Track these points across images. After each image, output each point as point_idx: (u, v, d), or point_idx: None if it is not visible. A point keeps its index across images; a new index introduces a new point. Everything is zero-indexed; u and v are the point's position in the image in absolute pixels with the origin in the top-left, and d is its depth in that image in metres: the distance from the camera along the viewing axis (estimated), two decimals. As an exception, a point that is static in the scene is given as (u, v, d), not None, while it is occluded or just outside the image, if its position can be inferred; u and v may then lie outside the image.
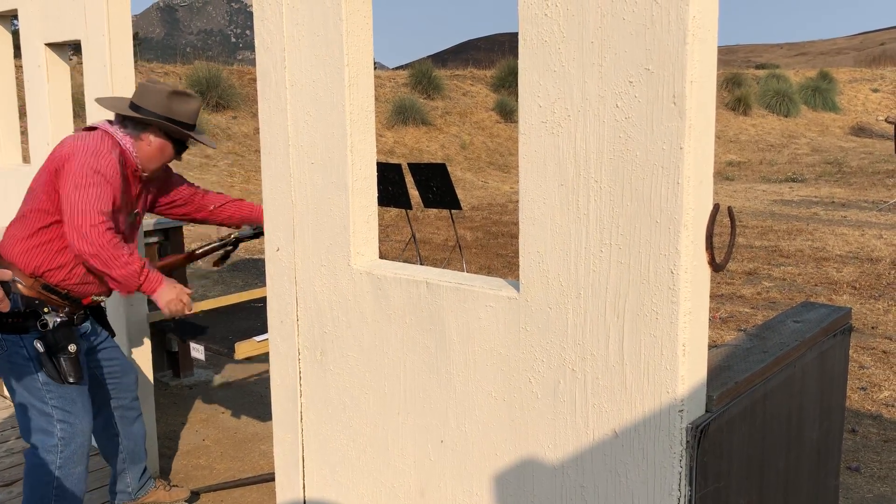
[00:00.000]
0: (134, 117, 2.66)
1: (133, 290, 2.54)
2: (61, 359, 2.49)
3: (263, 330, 2.82)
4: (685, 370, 1.58)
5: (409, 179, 6.95)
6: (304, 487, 2.44)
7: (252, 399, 4.41)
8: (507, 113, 17.40)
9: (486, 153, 15.67)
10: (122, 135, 2.67)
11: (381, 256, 8.16)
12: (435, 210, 11.55)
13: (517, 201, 12.59)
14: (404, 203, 6.55)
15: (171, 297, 2.60)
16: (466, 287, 1.91)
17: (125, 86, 2.98)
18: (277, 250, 2.39)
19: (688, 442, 1.59)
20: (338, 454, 2.31)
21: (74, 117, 3.78)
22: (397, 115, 15.62)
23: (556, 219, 1.72)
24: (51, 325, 2.51)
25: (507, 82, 18.41)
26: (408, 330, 2.05)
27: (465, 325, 1.93)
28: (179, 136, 2.74)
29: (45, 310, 2.52)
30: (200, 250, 2.89)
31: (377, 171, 6.89)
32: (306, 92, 2.20)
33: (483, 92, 18.26)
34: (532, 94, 1.72)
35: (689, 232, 1.55)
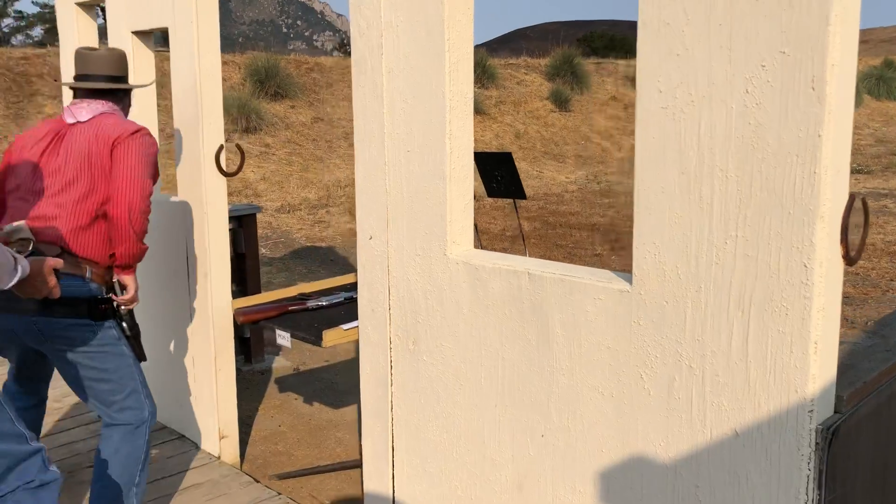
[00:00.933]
0: (121, 87, 2.64)
1: (128, 267, 2.53)
2: (138, 337, 2.59)
3: (348, 318, 2.81)
4: (816, 369, 1.51)
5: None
6: (392, 477, 2.43)
7: (322, 386, 4.43)
8: (562, 102, 17.20)
9: (540, 143, 15.52)
10: (116, 107, 2.64)
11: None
12: (491, 199, 11.48)
13: (573, 191, 12.46)
14: (517, 193, 6.48)
15: (135, 285, 2.58)
16: (572, 278, 1.86)
17: (212, 73, 2.98)
18: (370, 239, 2.37)
19: (817, 444, 1.52)
20: (429, 445, 2.29)
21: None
22: (452, 104, 15.54)
23: (676, 209, 1.65)
24: (125, 310, 2.56)
25: (562, 71, 18.18)
26: (507, 321, 2.01)
27: (570, 317, 1.88)
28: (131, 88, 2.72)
29: (115, 295, 2.54)
30: (319, 304, 2.87)
31: (486, 161, 6.84)
32: (404, 78, 2.17)
33: (537, 81, 18.07)
34: (652, 79, 1.66)
35: (825, 224, 1.47)
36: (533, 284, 1.94)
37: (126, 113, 2.72)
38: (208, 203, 3.04)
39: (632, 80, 19.48)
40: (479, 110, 15.73)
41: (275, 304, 2.91)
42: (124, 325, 2.54)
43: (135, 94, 3.33)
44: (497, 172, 6.06)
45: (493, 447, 2.11)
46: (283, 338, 2.72)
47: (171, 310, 3.33)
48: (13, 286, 1.65)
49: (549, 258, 7.67)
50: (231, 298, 3.15)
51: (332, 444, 3.60)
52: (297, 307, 2.90)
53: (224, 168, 3.05)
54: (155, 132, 3.61)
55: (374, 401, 2.44)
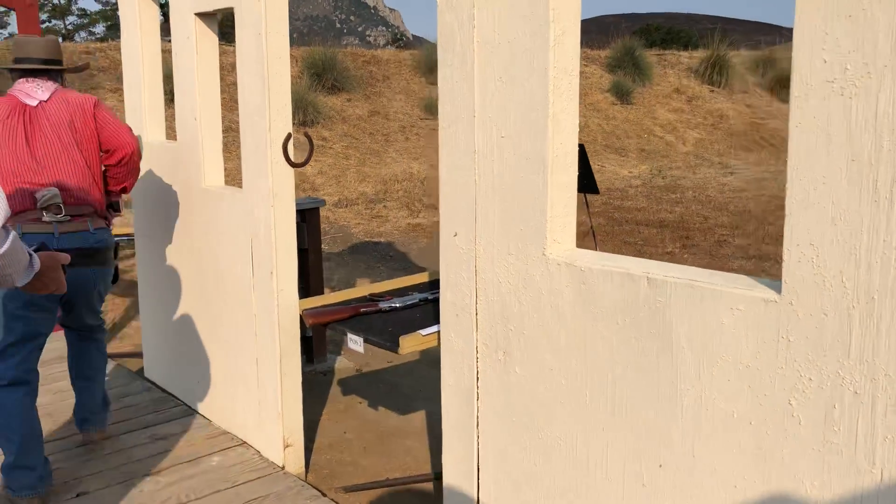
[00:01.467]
0: (55, 69, 2.97)
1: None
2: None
3: (425, 322, 2.57)
4: None
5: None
6: (477, 501, 2.18)
7: (387, 388, 4.21)
8: (624, 94, 16.72)
9: (601, 136, 15.10)
10: (58, 85, 2.99)
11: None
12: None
13: (637, 186, 12.04)
14: (589, 187, 6.21)
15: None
16: (703, 285, 1.59)
17: (280, 56, 2.78)
18: (455, 236, 2.12)
19: None
20: (522, 468, 2.03)
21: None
22: (510, 96, 15.23)
23: (842, 203, 1.37)
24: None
25: (623, 63, 17.69)
26: (620, 332, 1.75)
27: (699, 329, 1.60)
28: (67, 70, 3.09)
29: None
30: (392, 305, 2.66)
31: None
32: (499, 53, 1.92)
33: (597, 73, 17.61)
34: (814, 47, 1.37)
35: None
36: (653, 290, 1.67)
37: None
38: (275, 195, 2.83)
39: (695, 72, 18.90)
40: (537, 103, 15.36)
41: (345, 306, 2.69)
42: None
43: (198, 83, 3.15)
44: (567, 165, 5.75)
45: (598, 477, 1.85)
46: (354, 342, 2.50)
47: (232, 309, 3.15)
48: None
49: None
50: (298, 298, 2.95)
51: (400, 453, 3.38)
52: (369, 309, 2.68)
53: (292, 158, 2.84)
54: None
55: (458, 415, 2.20)
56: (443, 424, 2.26)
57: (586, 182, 5.72)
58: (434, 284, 3.02)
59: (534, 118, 1.86)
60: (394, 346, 2.36)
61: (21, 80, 2.94)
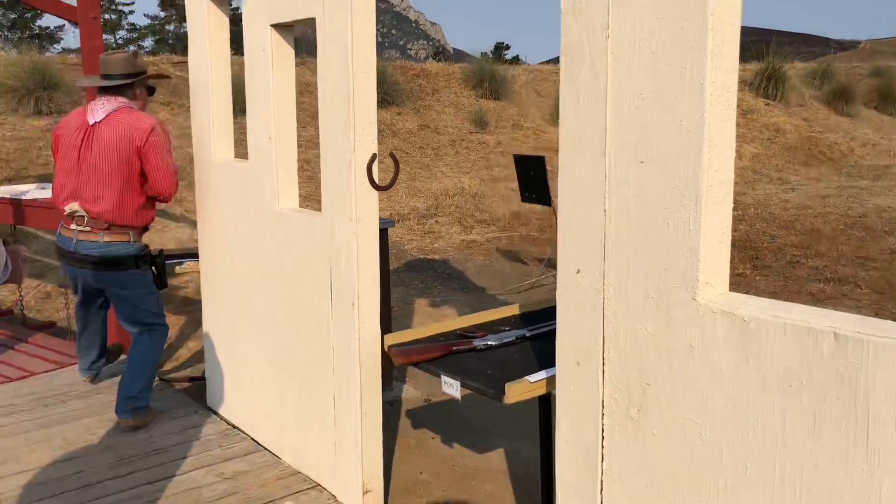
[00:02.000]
0: (124, 83, 3.34)
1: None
2: (164, 275, 3.58)
3: (526, 364, 2.32)
4: None
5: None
6: (599, 576, 1.91)
7: (459, 422, 3.96)
8: (676, 108, 16.31)
9: (655, 150, 14.72)
10: (128, 102, 3.36)
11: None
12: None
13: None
14: (543, 200, 5.95)
15: None
16: (914, 345, 1.31)
17: (366, 71, 2.56)
18: (577, 273, 1.87)
19: None
20: (658, 544, 1.76)
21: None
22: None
23: None
24: (160, 260, 3.52)
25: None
26: (794, 398, 1.47)
27: (907, 399, 1.32)
28: (149, 82, 3.53)
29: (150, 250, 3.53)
30: (487, 343, 2.42)
31: (524, 165, 6.29)
32: (640, 67, 1.66)
33: (649, 86, 17.24)
34: None
35: None
36: (843, 349, 1.39)
37: (141, 104, 3.45)
38: (358, 220, 2.61)
39: (749, 84, 18.40)
40: (588, 116, 15.06)
41: (435, 343, 2.45)
42: (155, 269, 3.50)
43: (274, 98, 2.95)
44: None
45: (763, 563, 1.57)
46: (450, 386, 2.25)
47: (307, 340, 2.93)
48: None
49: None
50: (380, 332, 2.71)
51: (482, 498, 3.12)
52: (462, 347, 2.43)
53: (377, 180, 2.62)
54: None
55: (577, 478, 1.93)
56: (557, 487, 2.00)
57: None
58: (527, 319, 2.77)
59: (684, 141, 1.60)
60: (498, 394, 2.10)
61: (98, 95, 3.40)
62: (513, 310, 2.87)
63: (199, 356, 5.22)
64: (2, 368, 4.32)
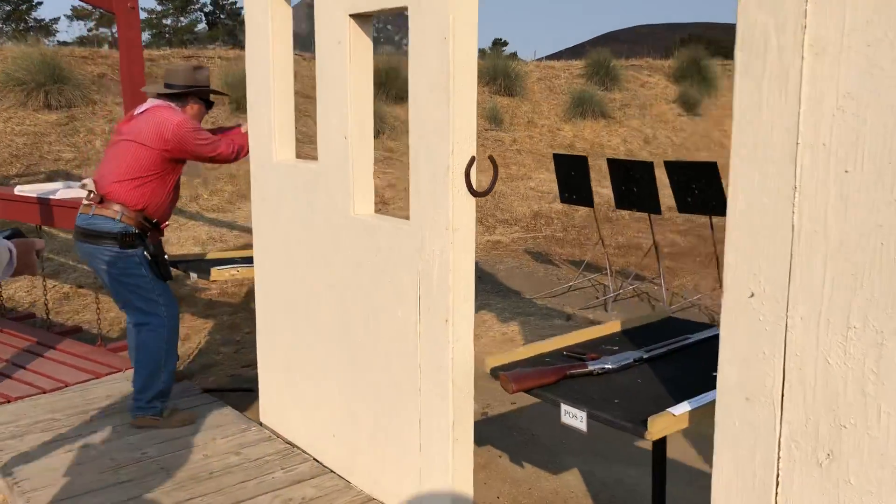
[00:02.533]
0: (177, 93, 3.51)
1: (244, 146, 3.50)
2: (161, 264, 3.43)
3: (650, 390, 2.09)
4: None
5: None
6: None
7: (523, 438, 3.74)
8: (690, 105, 16.12)
9: (671, 148, 14.52)
10: (175, 108, 3.47)
11: (577, 262, 7.37)
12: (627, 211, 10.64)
13: (718, 202, 11.42)
14: (651, 207, 5.73)
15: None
16: None
17: (468, 65, 2.33)
18: (751, 296, 1.64)
19: None
20: None
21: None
22: (575, 107, 14.74)
23: None
24: (150, 244, 3.40)
25: (689, 73, 17.08)
26: None
27: None
28: (206, 96, 3.62)
29: (147, 234, 3.42)
30: (604, 367, 2.18)
31: (620, 170, 6.10)
32: (849, 62, 1.44)
33: (662, 83, 17.04)
34: None
35: None
36: None
37: (194, 115, 3.58)
38: (455, 229, 2.38)
39: (762, 83, 18.12)
40: (604, 114, 14.88)
41: (549, 367, 2.21)
42: (151, 252, 3.39)
43: (351, 95, 2.71)
44: (694, 185, 5.26)
45: None
46: (573, 417, 2.03)
47: (387, 357, 2.70)
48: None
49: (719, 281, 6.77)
50: (473, 350, 2.49)
51: (571, 527, 2.90)
52: (578, 371, 2.20)
53: (475, 186, 2.39)
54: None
55: (744, 527, 1.71)
56: (716, 534, 1.78)
57: (716, 203, 5.22)
58: (634, 337, 2.55)
59: (910, 149, 1.38)
60: (638, 429, 1.88)
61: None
62: (613, 326, 2.64)
63: (232, 362, 4.99)
64: (33, 378, 4.07)
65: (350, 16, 2.66)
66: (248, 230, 8.69)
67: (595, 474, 3.37)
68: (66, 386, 3.97)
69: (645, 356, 2.30)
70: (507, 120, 14.02)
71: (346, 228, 2.83)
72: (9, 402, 3.76)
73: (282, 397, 3.38)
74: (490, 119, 13.82)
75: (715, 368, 2.24)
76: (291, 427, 3.34)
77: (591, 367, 2.22)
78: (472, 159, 2.38)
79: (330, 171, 2.86)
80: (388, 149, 11.76)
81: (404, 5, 2.43)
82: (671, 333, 2.58)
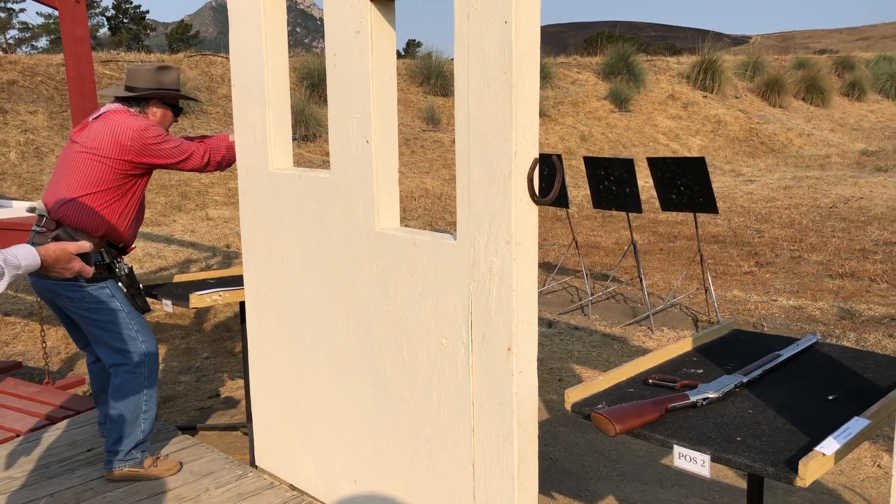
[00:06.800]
0: (136, 97, 3.07)
1: (225, 156, 3.13)
2: (136, 294, 3.05)
3: (761, 420, 1.82)
4: None
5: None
6: None
7: (545, 465, 3.44)
8: (622, 102, 16.20)
9: (608, 145, 14.51)
10: (135, 112, 3.07)
11: (542, 264, 7.16)
12: (597, 210, 10.51)
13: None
14: (632, 205, 5.53)
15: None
16: None
17: (531, 52, 2.01)
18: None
19: None
20: None
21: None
22: (510, 106, 14.56)
23: None
24: (121, 272, 3.00)
25: (618, 69, 17.19)
26: None
27: None
28: (173, 100, 3.18)
29: (116, 261, 3.00)
30: (707, 396, 1.88)
31: (596, 168, 5.89)
32: None
33: (591, 80, 17.08)
34: None
35: None
36: None
37: (159, 121, 3.13)
38: (517, 242, 2.06)
39: (686, 77, 18.49)
40: (539, 112, 14.76)
41: (647, 401, 1.92)
42: (120, 284, 3.02)
43: (373, 92, 2.36)
44: (680, 182, 5.08)
45: None
46: (691, 461, 1.74)
47: (428, 392, 2.36)
48: (20, 275, 1.73)
49: (702, 279, 6.70)
50: (537, 383, 2.17)
51: (628, 566, 2.62)
52: (680, 403, 1.92)
53: (537, 192, 2.07)
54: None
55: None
56: None
57: (703, 200, 5.05)
58: (713, 356, 2.28)
59: None
60: (784, 474, 1.60)
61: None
62: (685, 345, 2.37)
63: (196, 392, 4.51)
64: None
65: (371, 1, 2.31)
66: (188, 245, 8.11)
67: (635, 502, 3.10)
68: (19, 435, 3.45)
69: (745, 381, 2.04)
70: (445, 120, 13.73)
71: (368, 245, 2.47)
72: (-49, 459, 3.23)
73: (285, 437, 2.98)
74: (427, 120, 13.50)
75: (829, 391, 2.01)
76: (299, 471, 2.95)
77: (692, 398, 1.94)
78: (535, 162, 2.07)
79: (348, 180, 2.49)
80: (326, 153, 11.30)
81: (447, -14, 2.09)
82: (749, 347, 2.33)
